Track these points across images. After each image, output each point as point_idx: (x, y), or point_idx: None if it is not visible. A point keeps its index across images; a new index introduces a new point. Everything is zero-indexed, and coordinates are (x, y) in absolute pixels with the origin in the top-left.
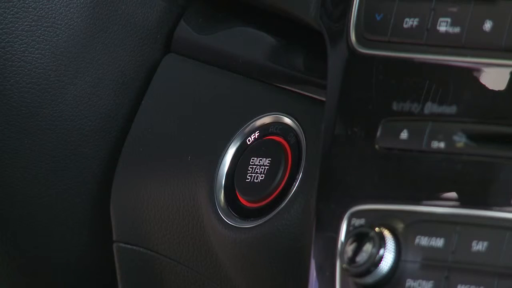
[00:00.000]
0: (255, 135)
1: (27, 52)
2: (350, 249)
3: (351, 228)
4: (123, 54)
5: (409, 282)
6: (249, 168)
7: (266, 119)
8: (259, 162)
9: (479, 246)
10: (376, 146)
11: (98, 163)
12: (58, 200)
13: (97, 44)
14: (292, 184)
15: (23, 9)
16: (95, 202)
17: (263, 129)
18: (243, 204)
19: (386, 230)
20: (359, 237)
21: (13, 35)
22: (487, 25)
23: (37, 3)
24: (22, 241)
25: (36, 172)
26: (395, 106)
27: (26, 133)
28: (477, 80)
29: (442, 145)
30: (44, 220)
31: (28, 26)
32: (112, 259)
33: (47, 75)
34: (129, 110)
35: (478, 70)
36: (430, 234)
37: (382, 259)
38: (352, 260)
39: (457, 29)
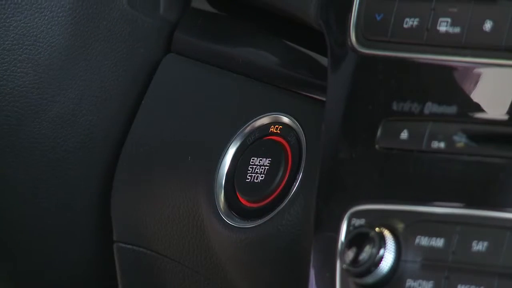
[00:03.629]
0: (255, 135)
1: (9, 71)
2: (350, 249)
3: (351, 228)
4: (105, 70)
5: (409, 282)
6: (249, 168)
7: (266, 119)
8: (259, 162)
9: (479, 246)
10: (376, 146)
11: (90, 173)
12: (50, 212)
13: (79, 60)
14: (292, 184)
15: (4, 28)
16: (95, 202)
17: (263, 129)
18: (243, 204)
19: (386, 230)
20: (359, 237)
21: None
22: (487, 25)
23: (18, 22)
24: (19, 246)
25: (22, 189)
26: (395, 106)
27: (9, 151)
28: (477, 80)
29: (442, 145)
30: (38, 227)
31: (9, 45)
32: (112, 259)
33: (29, 93)
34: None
35: (478, 70)
36: (430, 234)
37: (382, 259)
38: (353, 260)
39: (457, 29)
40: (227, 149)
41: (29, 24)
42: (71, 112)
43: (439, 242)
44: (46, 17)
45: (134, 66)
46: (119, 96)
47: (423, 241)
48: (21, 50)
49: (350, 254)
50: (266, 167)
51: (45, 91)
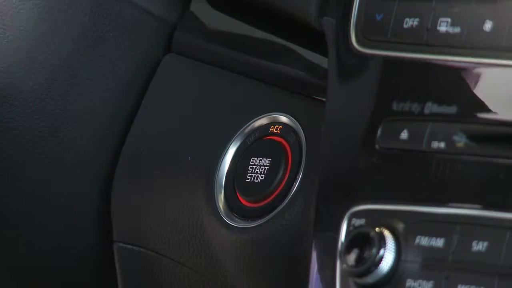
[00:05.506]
0: (255, 135)
1: None
2: (352, 251)
3: (351, 228)
4: (74, 54)
5: (409, 282)
6: (249, 168)
7: (266, 119)
8: (259, 162)
9: (479, 246)
10: (376, 146)
11: (67, 164)
12: (17, 199)
13: (48, 44)
14: (292, 184)
15: None
16: (95, 202)
17: (263, 129)
18: (243, 204)
19: (387, 230)
20: (359, 237)
21: None
22: (487, 25)
23: None
24: (21, 243)
25: None
26: (395, 106)
27: None
28: (477, 80)
29: (442, 145)
30: (15, 218)
31: None
32: (112, 259)
33: None
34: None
35: (478, 70)
36: (430, 234)
37: (383, 259)
38: (355, 261)
39: (457, 29)
40: (227, 149)
41: None
42: (40, 96)
43: (439, 242)
44: (14, 1)
45: (152, 53)
46: (137, 82)
47: (423, 241)
48: None
49: (352, 256)
50: (266, 167)
51: (13, 75)
